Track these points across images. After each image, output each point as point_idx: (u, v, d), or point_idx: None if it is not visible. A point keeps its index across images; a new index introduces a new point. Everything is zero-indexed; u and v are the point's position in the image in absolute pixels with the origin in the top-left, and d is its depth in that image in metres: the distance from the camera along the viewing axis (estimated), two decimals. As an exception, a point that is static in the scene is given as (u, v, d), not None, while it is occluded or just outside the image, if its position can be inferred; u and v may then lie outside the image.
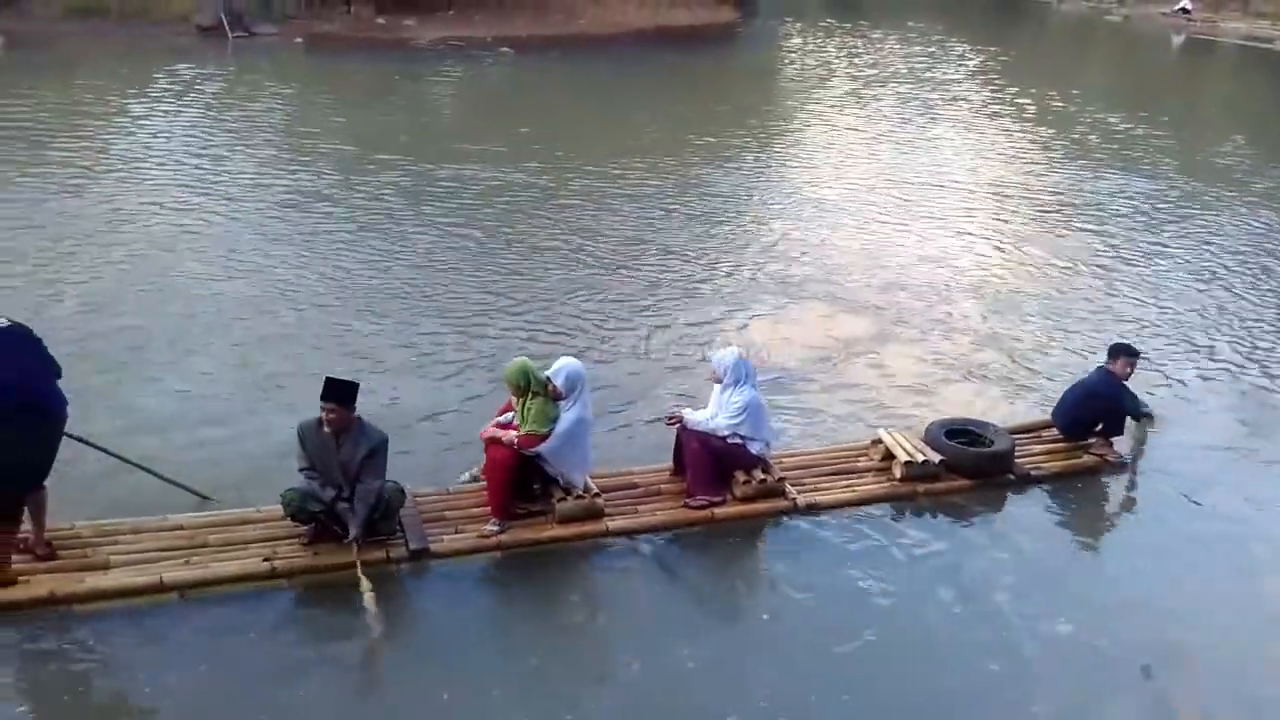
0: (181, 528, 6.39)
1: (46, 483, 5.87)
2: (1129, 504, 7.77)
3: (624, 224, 13.39)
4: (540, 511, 6.77)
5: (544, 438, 6.70)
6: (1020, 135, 19.65)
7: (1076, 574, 6.91)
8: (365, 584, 5.95)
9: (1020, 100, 22.20)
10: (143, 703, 5.34)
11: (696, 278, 11.66)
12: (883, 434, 7.76)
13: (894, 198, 15.24)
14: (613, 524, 6.73)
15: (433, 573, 6.36)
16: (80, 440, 6.33)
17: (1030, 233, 13.91)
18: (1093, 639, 6.13)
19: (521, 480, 6.81)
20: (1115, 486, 7.85)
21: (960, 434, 7.77)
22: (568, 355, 6.97)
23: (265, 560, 6.08)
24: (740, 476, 7.07)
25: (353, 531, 6.10)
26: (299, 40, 24.62)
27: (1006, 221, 14.33)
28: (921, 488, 7.38)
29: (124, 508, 6.58)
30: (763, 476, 7.08)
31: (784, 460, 7.57)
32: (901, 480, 7.38)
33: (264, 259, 11.46)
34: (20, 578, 5.79)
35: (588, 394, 6.86)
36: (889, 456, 7.57)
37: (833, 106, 21.69)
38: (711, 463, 7.01)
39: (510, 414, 6.93)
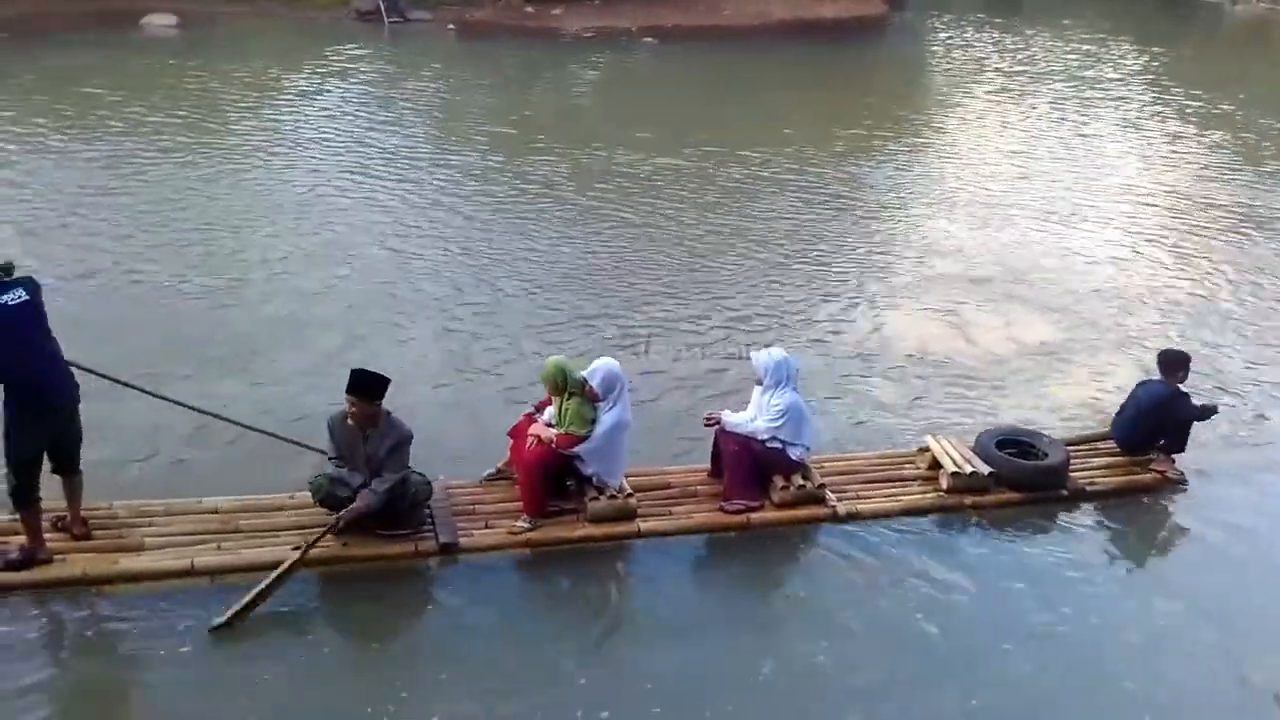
0: (216, 511, 6.42)
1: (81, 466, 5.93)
2: (1188, 524, 7.37)
3: (777, 215, 13.15)
4: (572, 510, 6.67)
5: (581, 439, 6.59)
6: (1187, 140, 18.21)
7: (1131, 596, 6.59)
8: (284, 567, 5.73)
9: (1187, 103, 20.68)
10: (160, 681, 5.38)
11: (852, 271, 11.43)
12: (930, 441, 7.50)
13: (1054, 198, 14.42)
14: (645, 525, 6.60)
15: (460, 567, 6.29)
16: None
17: (1208, 241, 12.90)
18: (1148, 665, 5.86)
19: (555, 478, 6.72)
20: (1175, 505, 7.47)
21: (1012, 445, 7.49)
22: (608, 357, 6.81)
23: (295, 549, 6.05)
24: (779, 482, 6.88)
25: (358, 502, 5.96)
26: (451, 26, 25.02)
27: (1181, 228, 13.38)
28: (969, 500, 7.11)
29: (163, 488, 6.67)
30: (802, 482, 6.89)
31: (825, 466, 7.36)
32: (948, 491, 7.13)
33: (434, 237, 11.81)
34: (56, 556, 5.86)
35: (626, 395, 6.73)
36: (936, 465, 7.31)
37: (986, 103, 20.73)
38: (750, 466, 6.83)
39: (550, 410, 6.83)
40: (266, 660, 5.48)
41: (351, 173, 13.94)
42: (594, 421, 6.63)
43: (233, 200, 12.68)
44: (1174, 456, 7.63)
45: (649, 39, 24.39)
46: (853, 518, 6.89)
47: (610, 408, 6.62)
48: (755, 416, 6.90)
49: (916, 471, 7.43)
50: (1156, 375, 7.64)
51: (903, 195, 14.41)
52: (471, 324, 9.69)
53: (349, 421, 6.04)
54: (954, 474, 7.10)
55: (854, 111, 19.12)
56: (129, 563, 5.90)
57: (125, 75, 18.49)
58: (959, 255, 12.15)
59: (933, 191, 14.66)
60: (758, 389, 6.96)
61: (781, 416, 6.76)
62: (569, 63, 22.47)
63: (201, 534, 6.20)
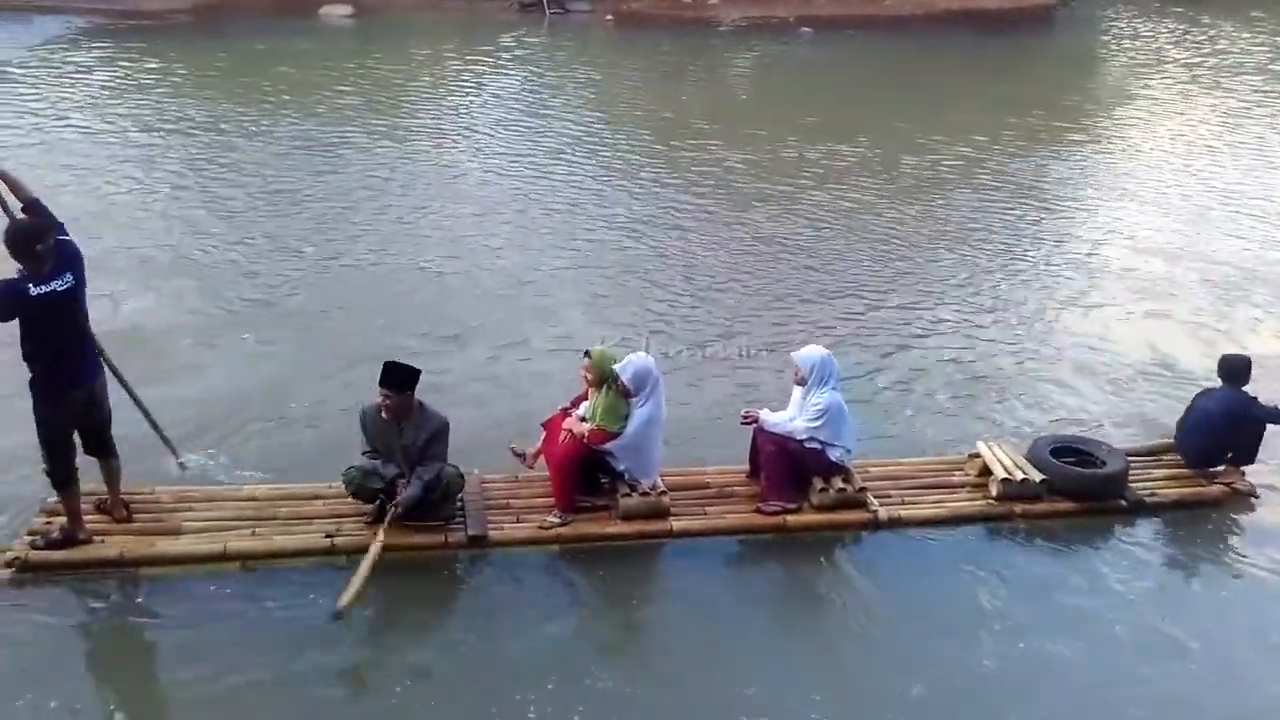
0: (254, 499, 6.50)
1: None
2: (1257, 540, 6.93)
3: (968, 207, 13.09)
4: (604, 506, 6.58)
5: (613, 435, 6.51)
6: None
7: (1187, 618, 6.18)
8: (377, 547, 5.81)
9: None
10: (182, 661, 5.44)
11: (1064, 268, 11.26)
12: (981, 446, 7.22)
13: (1266, 196, 13.88)
14: (678, 524, 6.48)
15: (489, 560, 6.25)
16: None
17: None
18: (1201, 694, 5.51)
19: (588, 473, 6.64)
20: (1243, 520, 7.05)
21: (1069, 452, 7.16)
22: (640, 352, 6.68)
23: (326, 536, 6.10)
24: (818, 484, 6.68)
25: (399, 497, 6.01)
26: (609, 18, 25.63)
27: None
28: (1019, 508, 6.82)
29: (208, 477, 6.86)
30: (842, 485, 6.68)
31: (870, 469, 7.14)
32: (998, 499, 6.84)
33: (615, 224, 12.15)
34: (96, 537, 5.99)
35: (660, 392, 6.61)
36: (986, 472, 7.04)
37: (1169, 96, 20.07)
38: (788, 467, 6.66)
39: (585, 405, 6.76)
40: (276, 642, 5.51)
41: (525, 158, 14.40)
42: (627, 417, 6.54)
43: (420, 182, 13.37)
44: (1244, 469, 7.21)
45: (806, 29, 24.24)
46: (894, 524, 6.66)
47: (642, 404, 6.52)
48: (794, 416, 6.72)
49: (966, 478, 7.16)
50: (1216, 384, 7.26)
51: (1098, 189, 14.08)
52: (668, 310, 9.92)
53: (382, 415, 6.05)
54: (1004, 480, 6.82)
55: (1025, 102, 18.67)
56: (165, 545, 6.00)
57: (308, 61, 19.44)
58: (1176, 253, 11.82)
59: (1124, 184, 14.28)
60: (798, 389, 6.78)
61: (821, 416, 6.57)
62: (726, 52, 22.46)
63: (238, 520, 6.27)
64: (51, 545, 5.84)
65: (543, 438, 6.79)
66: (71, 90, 16.80)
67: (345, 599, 5.48)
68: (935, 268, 11.27)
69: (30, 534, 5.98)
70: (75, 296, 5.57)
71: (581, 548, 6.39)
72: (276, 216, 12.00)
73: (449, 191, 13.22)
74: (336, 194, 12.76)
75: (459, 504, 6.40)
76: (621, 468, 6.57)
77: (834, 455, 6.67)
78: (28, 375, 5.57)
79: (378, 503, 6.20)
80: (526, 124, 16.24)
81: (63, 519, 5.94)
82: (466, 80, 19.13)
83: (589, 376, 6.62)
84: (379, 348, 8.03)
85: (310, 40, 22.08)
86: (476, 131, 15.93)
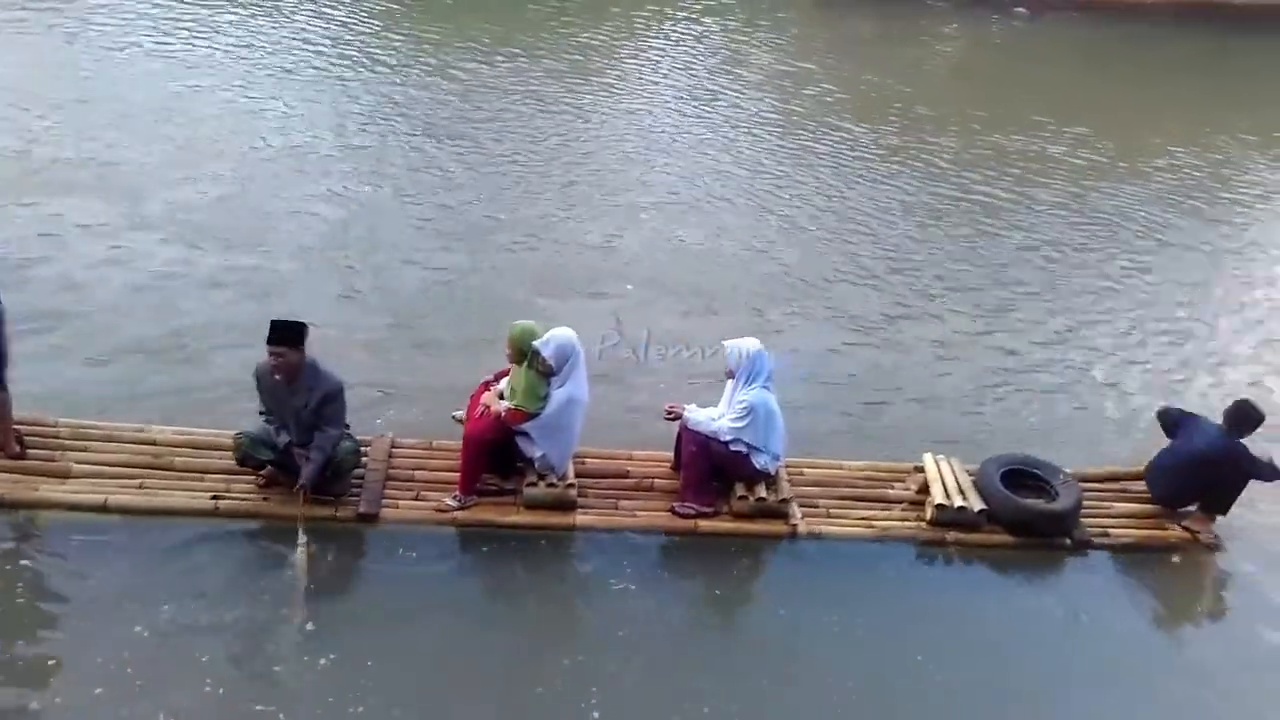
0: (154, 443, 6.30)
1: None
2: (1214, 597, 6.47)
3: (1150, 218, 12.03)
4: (511, 491, 6.28)
5: (531, 416, 6.15)
6: None
7: (1129, 671, 5.77)
8: (303, 539, 5.70)
9: None
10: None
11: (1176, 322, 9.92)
12: (927, 460, 6.74)
13: None
14: (581, 519, 6.16)
15: (380, 536, 6.02)
16: None
17: None
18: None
19: (500, 455, 6.31)
20: (1195, 571, 6.55)
21: (1023, 476, 6.66)
22: (565, 327, 6.25)
23: (212, 497, 5.90)
24: (739, 489, 6.29)
25: (303, 478, 5.80)
26: None
27: None
28: (952, 536, 6.38)
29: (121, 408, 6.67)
30: (763, 495, 6.28)
31: (805, 473, 6.74)
32: (930, 523, 6.40)
33: (801, 204, 11.48)
34: (-17, 475, 5.85)
35: (582, 371, 6.21)
36: (926, 490, 6.58)
37: None
38: (708, 469, 6.27)
39: (504, 382, 6.40)
40: (150, 607, 5.35)
41: (709, 126, 13.72)
42: (546, 398, 6.17)
43: (615, 140, 12.85)
44: (1215, 517, 6.66)
45: (1021, 9, 21.86)
46: (814, 538, 6.27)
47: (561, 384, 6.14)
48: (722, 414, 6.29)
49: (905, 492, 6.71)
50: (1211, 415, 6.65)
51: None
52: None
53: (275, 376, 5.75)
54: (939, 505, 6.36)
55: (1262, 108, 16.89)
56: (48, 490, 5.84)
57: (504, 8, 18.28)
58: None
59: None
60: (729, 383, 6.33)
61: (746, 415, 6.13)
62: (933, 29, 20.58)
63: (130, 467, 6.09)
64: (-69, 481, 5.72)
65: (466, 411, 6.47)
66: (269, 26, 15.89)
67: (296, 615, 5.41)
68: (1076, 280, 10.45)
69: (-88, 467, 5.86)
70: None
71: (481, 533, 6.12)
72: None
73: (640, 148, 12.68)
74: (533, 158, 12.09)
75: (359, 475, 6.14)
76: (538, 453, 6.23)
77: (759, 462, 6.26)
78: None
79: (268, 469, 5.96)
80: (705, 91, 15.24)
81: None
82: (653, 39, 17.93)
83: (508, 352, 6.23)
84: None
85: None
86: (652, 90, 15.07)
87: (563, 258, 9.76)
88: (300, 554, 5.65)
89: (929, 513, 6.40)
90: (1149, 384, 8.62)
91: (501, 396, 6.32)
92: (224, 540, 5.85)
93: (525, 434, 6.21)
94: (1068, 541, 6.44)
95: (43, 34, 13.95)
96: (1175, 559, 6.57)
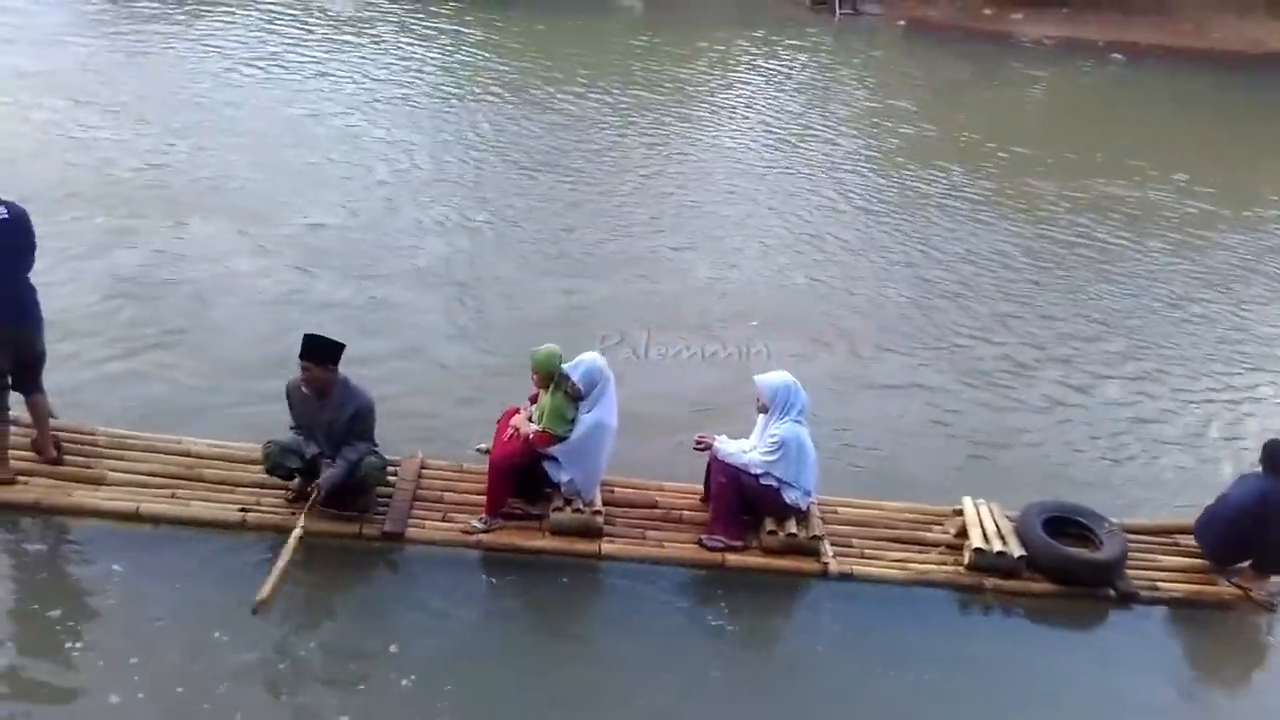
0: (188, 454, 6.35)
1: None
2: (1258, 656, 6.15)
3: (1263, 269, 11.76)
4: (537, 516, 6.21)
5: (559, 439, 6.10)
6: None
7: None
8: (299, 530, 5.60)
9: None
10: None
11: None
12: (966, 503, 6.55)
13: None
14: (607, 547, 6.06)
15: (407, 556, 5.99)
16: None
17: None
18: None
19: (528, 478, 6.26)
20: (1254, 634, 6.24)
21: (1068, 524, 6.44)
22: (593, 352, 6.23)
23: (241, 510, 5.93)
24: (769, 524, 6.15)
25: (321, 479, 5.78)
26: (901, 22, 23.86)
27: None
28: (991, 582, 6.16)
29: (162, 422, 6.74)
30: (794, 530, 6.13)
31: (840, 512, 6.58)
32: (968, 568, 6.19)
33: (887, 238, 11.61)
34: (20, 478, 5.94)
35: (611, 396, 6.16)
36: (965, 534, 6.38)
37: None
38: (738, 502, 6.14)
39: (534, 407, 6.37)
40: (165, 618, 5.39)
41: (807, 163, 13.89)
42: (573, 422, 6.12)
43: (701, 168, 13.17)
44: (1269, 575, 6.35)
45: (1117, 55, 21.76)
46: (845, 578, 6.09)
47: (589, 409, 6.08)
48: (754, 446, 6.18)
49: (943, 535, 6.51)
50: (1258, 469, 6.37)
51: None
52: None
53: (304, 389, 5.79)
54: (977, 550, 6.15)
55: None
56: (82, 497, 5.91)
57: (597, 41, 19.18)
58: None
59: None
60: (761, 416, 6.23)
61: (777, 449, 6.01)
62: (1022, 71, 20.61)
63: (164, 477, 6.15)
64: (-30, 484, 5.82)
65: (494, 434, 6.44)
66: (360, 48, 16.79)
67: (265, 591, 5.23)
68: (1186, 330, 10.14)
69: (-46, 468, 5.97)
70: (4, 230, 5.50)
71: (506, 558, 6.05)
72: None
73: (705, 181, 12.88)
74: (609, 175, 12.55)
75: (388, 493, 6.12)
76: (565, 478, 6.17)
77: (790, 497, 6.12)
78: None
79: (297, 481, 5.98)
80: (789, 124, 15.46)
81: (-5, 456, 5.90)
82: (745, 73, 18.36)
83: (535, 376, 6.21)
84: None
85: (598, 19, 21.10)
86: (745, 124, 15.41)
87: (673, 293, 9.76)
88: (290, 541, 5.53)
89: (967, 557, 6.19)
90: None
91: (531, 420, 6.29)
92: (250, 551, 5.85)
93: (552, 458, 6.16)
94: (1111, 593, 6.18)
95: (159, 54, 14.85)
96: (1226, 617, 6.27)
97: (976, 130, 15.94)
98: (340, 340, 5.75)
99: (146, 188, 10.63)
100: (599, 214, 11.39)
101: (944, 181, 13.48)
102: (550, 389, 6.15)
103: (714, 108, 15.96)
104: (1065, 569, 6.14)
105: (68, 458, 6.18)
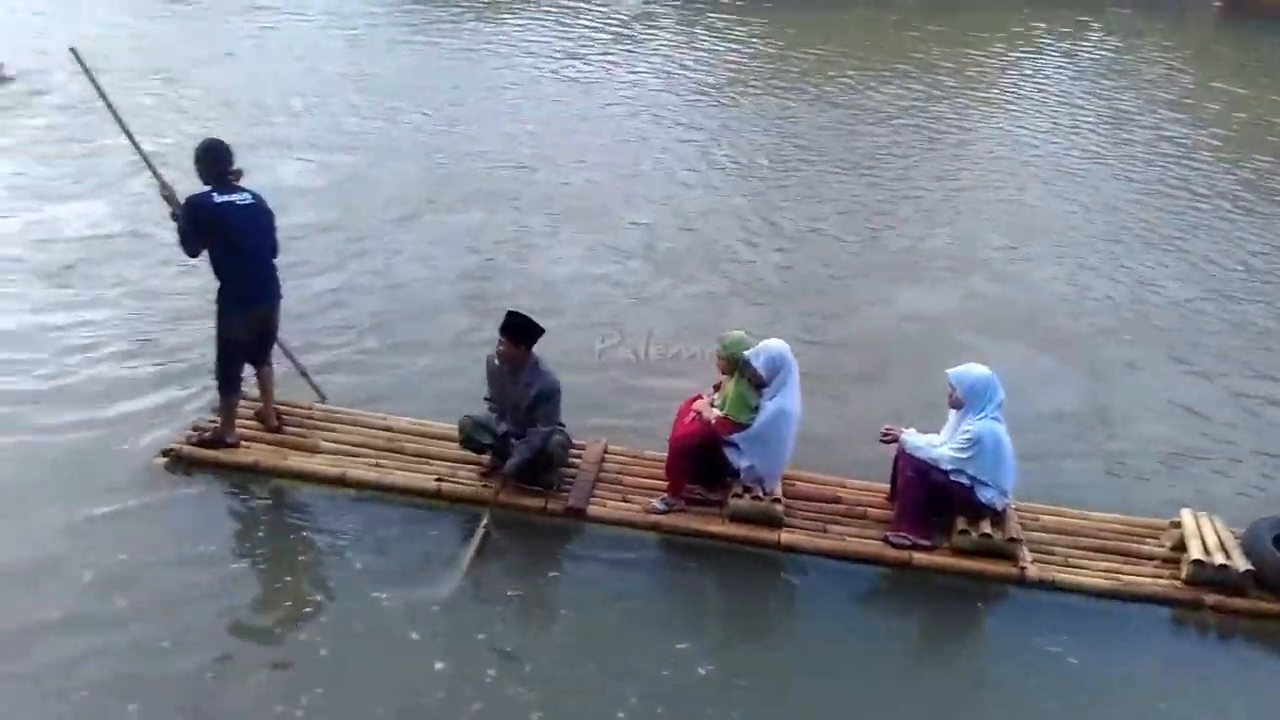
0: (390, 429, 6.73)
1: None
2: None
3: None
4: (717, 501, 6.17)
5: (741, 426, 6.07)
6: None
7: None
8: (486, 519, 5.88)
9: None
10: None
11: None
12: (1185, 515, 6.00)
13: None
14: (786, 537, 5.94)
15: (588, 533, 6.08)
16: None
17: None
18: None
19: (709, 465, 6.24)
20: None
21: (1306, 542, 5.78)
22: (777, 339, 6.15)
23: (436, 480, 6.21)
24: (960, 523, 5.86)
25: (507, 467, 6.02)
26: (1217, 3, 22.66)
27: None
28: (1211, 598, 5.60)
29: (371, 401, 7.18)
30: (989, 531, 5.80)
31: (1040, 517, 6.19)
32: (1186, 582, 5.66)
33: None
34: (244, 443, 6.47)
35: (794, 383, 6.06)
36: (1183, 546, 5.84)
37: None
38: (926, 498, 5.89)
39: (718, 395, 6.36)
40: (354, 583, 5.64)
41: (1125, 153, 13.62)
42: (757, 409, 6.07)
43: (1018, 166, 13.15)
44: None
45: None
46: (1045, 585, 5.70)
47: (772, 395, 6.01)
48: (945, 441, 5.92)
49: (1158, 549, 5.99)
50: None
51: None
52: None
53: (497, 362, 6.04)
54: (1196, 561, 5.62)
55: None
56: (296, 461, 6.36)
57: (876, 33, 19.52)
58: None
59: None
60: (953, 412, 5.96)
61: (970, 446, 5.73)
62: None
63: (369, 448, 6.52)
64: (203, 444, 6.38)
65: (674, 420, 6.48)
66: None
67: (466, 562, 5.65)
68: None
69: (194, 429, 6.57)
70: (255, 214, 6.05)
71: (684, 541, 6.04)
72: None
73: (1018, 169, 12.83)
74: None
75: (570, 471, 6.27)
76: (745, 464, 6.12)
77: (984, 496, 5.81)
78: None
79: (489, 457, 6.21)
80: (1113, 112, 14.96)
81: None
82: (1029, 56, 17.99)
83: (720, 363, 6.20)
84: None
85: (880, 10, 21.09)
86: (1060, 118, 14.95)
87: (1005, 296, 9.61)
88: (479, 532, 5.81)
89: (1184, 570, 5.67)
90: None
91: (714, 406, 6.28)
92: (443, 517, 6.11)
93: (734, 444, 6.12)
94: (1359, 620, 5.49)
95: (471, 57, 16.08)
96: None
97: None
98: (541, 326, 5.94)
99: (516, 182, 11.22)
100: (928, 213, 11.27)
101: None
102: (735, 375, 6.13)
103: (1017, 94, 15.49)
104: (1301, 588, 5.50)
105: (286, 428, 6.68)
